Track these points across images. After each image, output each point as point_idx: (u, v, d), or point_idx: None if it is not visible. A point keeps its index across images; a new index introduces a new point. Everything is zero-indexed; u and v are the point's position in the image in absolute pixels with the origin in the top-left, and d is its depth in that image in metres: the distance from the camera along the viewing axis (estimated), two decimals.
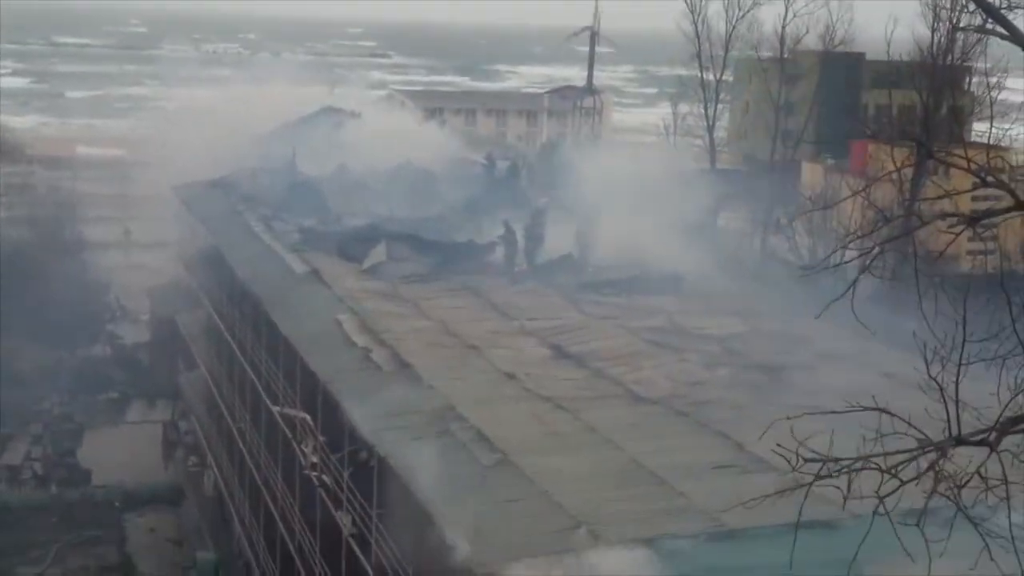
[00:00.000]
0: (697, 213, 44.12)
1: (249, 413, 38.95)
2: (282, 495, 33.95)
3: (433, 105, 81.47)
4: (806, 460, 8.96)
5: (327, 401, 27.85)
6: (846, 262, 11.21)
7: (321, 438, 28.93)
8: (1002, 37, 10.68)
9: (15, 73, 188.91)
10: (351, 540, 26.34)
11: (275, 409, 33.32)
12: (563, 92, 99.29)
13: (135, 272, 68.20)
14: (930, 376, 8.92)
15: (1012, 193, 10.58)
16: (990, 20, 10.59)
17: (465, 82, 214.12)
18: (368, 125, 55.98)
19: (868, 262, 10.41)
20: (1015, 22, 10.55)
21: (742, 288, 36.12)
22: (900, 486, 8.90)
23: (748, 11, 57.78)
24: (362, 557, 25.44)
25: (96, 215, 79.14)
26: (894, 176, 39.68)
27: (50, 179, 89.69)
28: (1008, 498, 8.88)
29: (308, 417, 29.74)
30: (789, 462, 8.89)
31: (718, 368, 28.11)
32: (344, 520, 26.75)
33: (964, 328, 9.19)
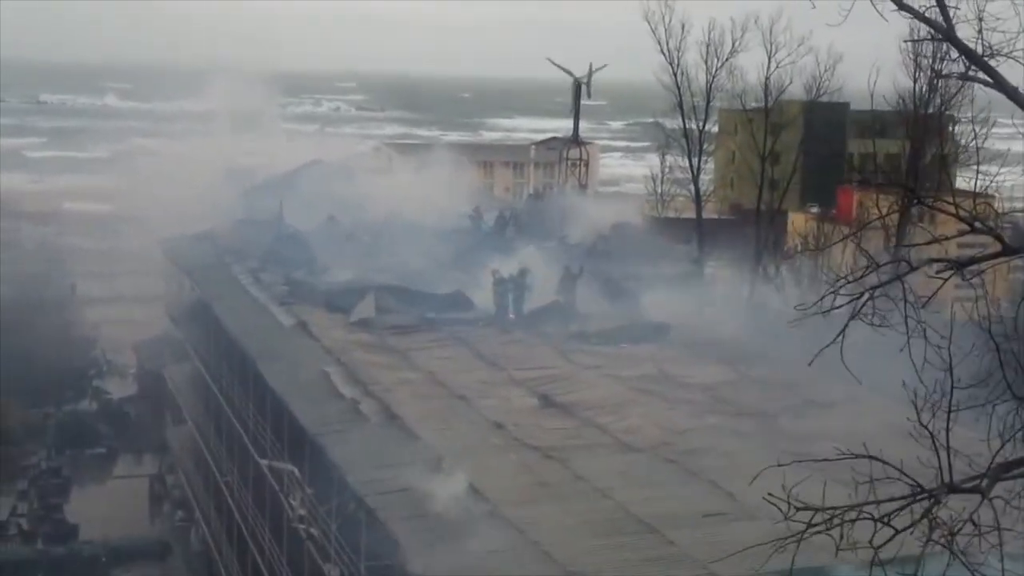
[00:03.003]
0: (684, 262, 44.22)
1: (236, 466, 38.71)
2: (270, 548, 33.67)
3: (421, 157, 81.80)
4: (798, 509, 8.89)
5: (315, 453, 27.69)
6: (837, 307, 11.22)
7: (309, 490, 28.74)
8: (985, 84, 10.72)
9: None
10: None
11: (263, 462, 33.12)
12: (550, 143, 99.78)
13: (122, 326, 68.00)
14: (921, 424, 8.89)
15: (1000, 239, 10.61)
16: (973, 67, 10.63)
17: (454, 135, 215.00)
18: (356, 178, 56.09)
19: (858, 308, 10.39)
20: (998, 69, 10.61)
21: (730, 336, 36.10)
22: (894, 535, 8.82)
23: (726, 61, 58.28)
24: None
25: (83, 270, 79.07)
26: (881, 222, 39.91)
27: (37, 235, 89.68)
28: (1001, 544, 8.83)
29: (296, 470, 29.57)
30: (781, 511, 8.82)
31: (706, 416, 28.03)
32: (332, 572, 26.52)
33: (952, 375, 9.17)
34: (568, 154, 73.49)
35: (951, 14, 10.50)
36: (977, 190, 11.98)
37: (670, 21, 57.70)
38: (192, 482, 48.39)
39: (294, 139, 72.85)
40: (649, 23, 57.62)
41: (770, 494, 8.81)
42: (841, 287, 10.04)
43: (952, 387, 9.04)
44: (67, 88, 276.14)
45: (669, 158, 65.44)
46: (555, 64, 71.50)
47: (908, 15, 10.65)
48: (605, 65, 70.90)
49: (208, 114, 72.37)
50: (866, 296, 10.19)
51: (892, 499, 8.90)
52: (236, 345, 37.49)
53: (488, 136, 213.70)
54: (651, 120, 69.49)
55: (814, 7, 10.58)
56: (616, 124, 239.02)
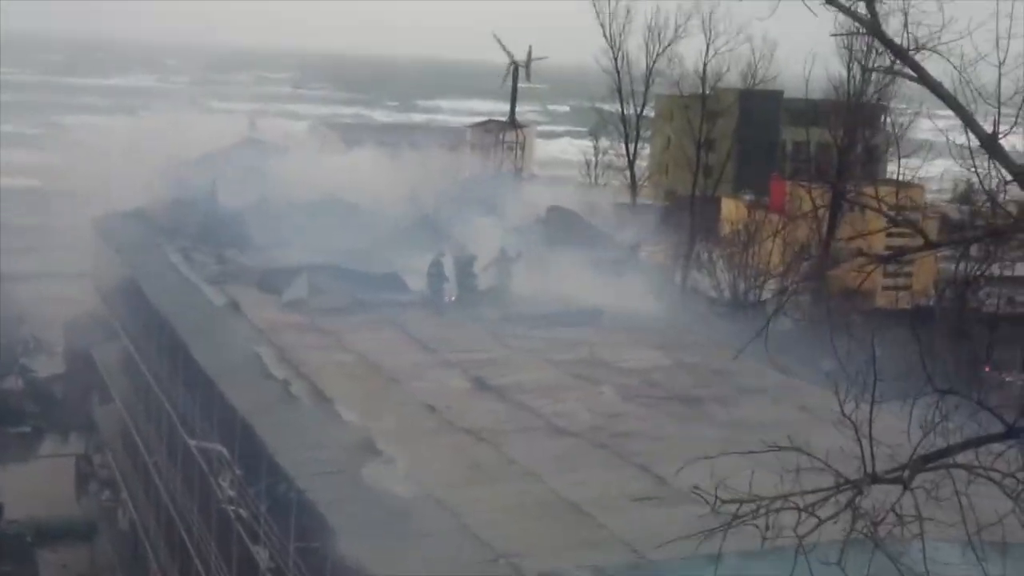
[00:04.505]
0: (618, 247, 44.41)
1: (165, 447, 38.32)
2: (198, 530, 33.39)
3: (357, 138, 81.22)
4: (724, 501, 9.00)
5: (245, 434, 27.49)
6: (762, 301, 11.46)
7: (238, 471, 28.53)
8: (910, 78, 10.87)
9: None
10: (268, 575, 25.97)
11: (191, 443, 32.83)
12: (486, 126, 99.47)
13: (51, 304, 66.84)
14: (844, 415, 9.03)
15: (921, 232, 10.77)
16: (898, 61, 10.77)
17: (391, 115, 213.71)
18: (291, 158, 55.60)
19: (783, 301, 10.59)
20: (924, 64, 10.74)
21: (663, 322, 36.34)
22: (818, 524, 8.97)
23: (667, 46, 58.69)
24: None
25: (10, 246, 77.54)
26: (811, 215, 40.36)
27: None
28: (922, 533, 8.99)
29: (225, 450, 29.33)
30: (708, 503, 8.93)
31: (639, 401, 28.19)
32: (261, 554, 26.37)
33: (875, 368, 9.33)
34: (504, 137, 73.45)
35: (877, 8, 10.62)
36: (903, 181, 12.16)
37: (615, 3, 58.08)
38: (119, 462, 47.85)
39: (226, 118, 71.93)
40: (595, 5, 57.96)
41: (696, 487, 8.91)
42: (766, 281, 10.22)
43: (875, 379, 9.19)
44: (5, 60, 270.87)
45: (605, 142, 65.71)
46: (499, 42, 71.40)
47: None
48: (546, 57, 71.09)
49: (142, 91, 71.42)
50: (790, 290, 10.38)
51: (816, 490, 9.05)
52: (166, 324, 37.09)
53: (425, 117, 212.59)
54: (589, 105, 69.69)
55: None
56: (561, 108, 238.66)
